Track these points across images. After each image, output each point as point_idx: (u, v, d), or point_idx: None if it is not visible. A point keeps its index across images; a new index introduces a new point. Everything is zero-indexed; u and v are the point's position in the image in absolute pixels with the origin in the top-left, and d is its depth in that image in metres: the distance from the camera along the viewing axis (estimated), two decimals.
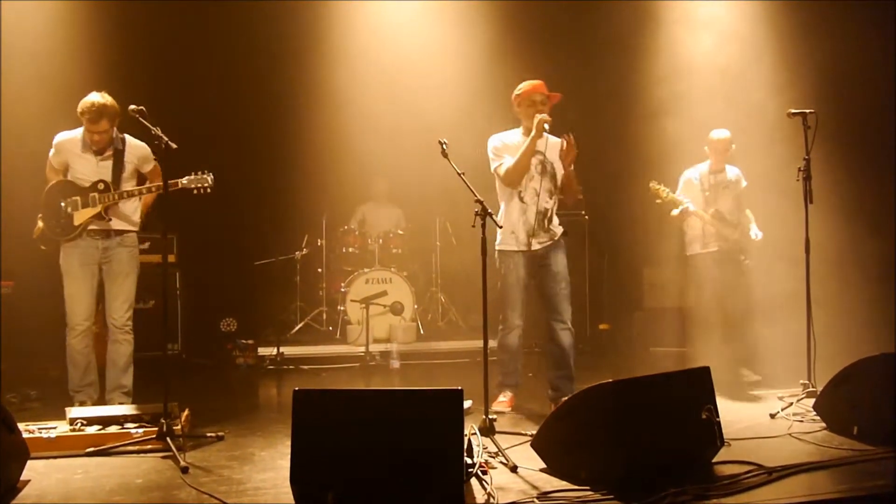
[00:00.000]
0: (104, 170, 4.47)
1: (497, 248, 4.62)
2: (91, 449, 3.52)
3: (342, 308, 7.27)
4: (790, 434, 3.81)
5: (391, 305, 7.08)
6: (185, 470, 3.23)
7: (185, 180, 4.34)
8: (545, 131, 4.40)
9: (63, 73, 5.87)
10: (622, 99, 7.29)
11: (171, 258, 6.87)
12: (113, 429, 3.69)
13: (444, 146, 3.98)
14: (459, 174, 3.89)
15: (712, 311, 5.44)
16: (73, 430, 3.66)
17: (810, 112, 4.75)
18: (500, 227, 4.35)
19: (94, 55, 6.02)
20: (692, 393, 3.28)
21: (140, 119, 3.81)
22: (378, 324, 6.97)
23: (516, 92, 4.63)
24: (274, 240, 7.50)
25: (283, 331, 7.17)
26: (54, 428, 3.66)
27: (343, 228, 7.71)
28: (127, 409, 3.85)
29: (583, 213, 7.06)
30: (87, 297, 4.46)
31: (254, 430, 4.12)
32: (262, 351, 6.63)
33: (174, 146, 3.74)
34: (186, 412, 4.07)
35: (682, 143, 6.01)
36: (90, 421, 3.72)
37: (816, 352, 4.59)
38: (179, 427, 3.73)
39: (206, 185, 4.37)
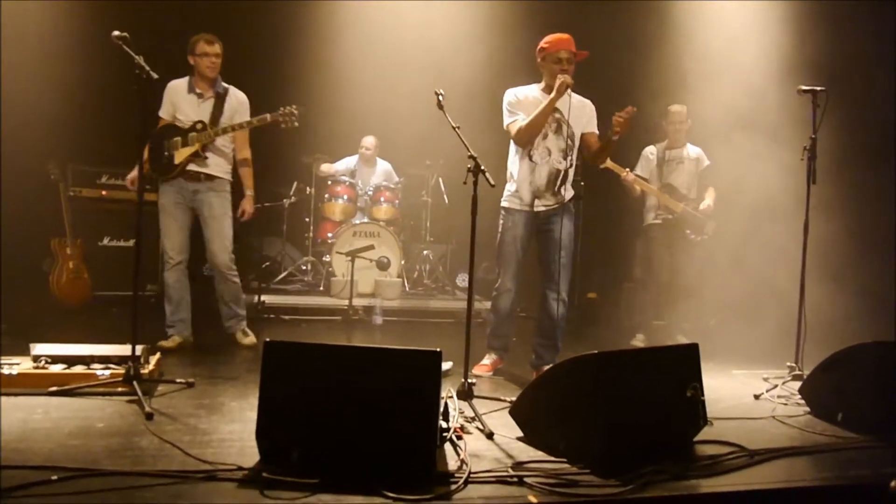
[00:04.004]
0: (205, 111, 4.73)
1: (501, 204, 4.49)
2: (54, 388, 3.39)
3: (328, 259, 7.13)
4: (773, 416, 3.74)
5: (377, 260, 6.95)
6: (149, 416, 3.11)
7: (268, 116, 4.61)
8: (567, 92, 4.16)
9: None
10: (628, 72, 7.07)
11: (155, 196, 6.71)
12: (78, 369, 3.55)
13: (441, 97, 3.79)
14: (454, 128, 3.73)
15: (657, 279, 5.82)
16: (37, 367, 3.52)
17: (821, 89, 4.56)
18: (493, 185, 4.15)
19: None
20: (678, 369, 3.17)
21: (123, 46, 3.61)
22: (363, 278, 6.85)
23: (542, 44, 4.33)
24: (262, 185, 7.29)
25: (265, 279, 7.03)
26: (18, 364, 3.52)
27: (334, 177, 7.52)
28: (95, 349, 3.70)
29: (579, 180, 6.90)
30: (178, 233, 4.74)
31: (226, 378, 4.01)
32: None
33: (155, 76, 3.55)
34: (157, 355, 3.96)
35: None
36: (55, 359, 3.58)
37: (806, 336, 4.51)
38: (148, 371, 3.61)
39: (293, 119, 4.62)
